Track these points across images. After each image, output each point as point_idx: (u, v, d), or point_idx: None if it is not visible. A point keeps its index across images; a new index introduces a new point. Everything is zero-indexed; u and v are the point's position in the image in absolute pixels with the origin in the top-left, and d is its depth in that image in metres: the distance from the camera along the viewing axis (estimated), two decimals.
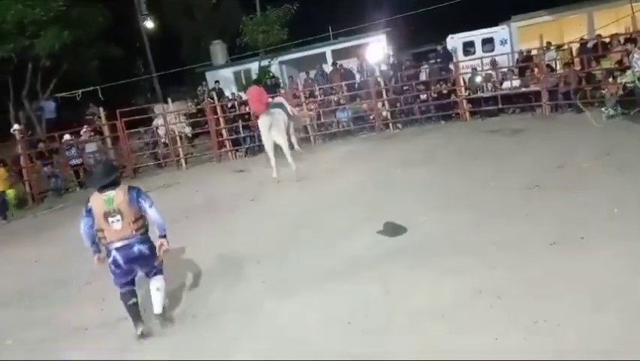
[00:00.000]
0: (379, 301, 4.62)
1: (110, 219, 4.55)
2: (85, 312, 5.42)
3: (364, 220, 6.71)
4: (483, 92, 14.31)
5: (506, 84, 13.92)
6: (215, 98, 15.61)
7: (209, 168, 13.61)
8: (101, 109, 15.04)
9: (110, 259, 4.63)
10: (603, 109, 11.13)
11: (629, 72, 11.05)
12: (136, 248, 4.62)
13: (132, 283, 4.80)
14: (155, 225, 4.72)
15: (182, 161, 14.36)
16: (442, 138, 11.76)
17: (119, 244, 4.59)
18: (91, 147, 13.99)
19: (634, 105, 10.76)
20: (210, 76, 20.79)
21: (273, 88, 17.32)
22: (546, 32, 15.73)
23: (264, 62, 20.29)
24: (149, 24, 25.28)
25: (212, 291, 5.46)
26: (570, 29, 17.39)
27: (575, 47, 14.72)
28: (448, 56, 15.77)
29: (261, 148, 14.25)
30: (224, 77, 20.59)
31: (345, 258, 5.68)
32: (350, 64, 18.11)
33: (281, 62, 20.55)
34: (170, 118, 14.89)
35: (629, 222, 5.28)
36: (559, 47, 14.61)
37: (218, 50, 22.61)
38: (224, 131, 14.77)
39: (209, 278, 5.79)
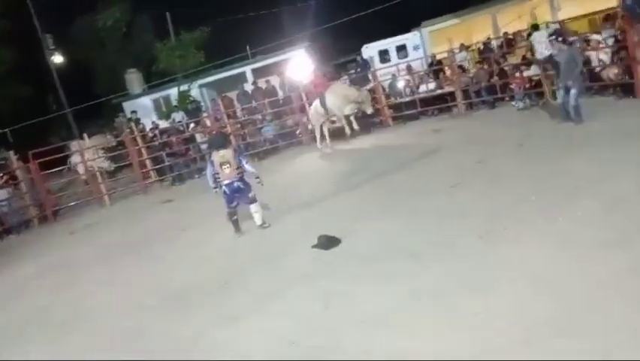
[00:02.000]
0: (322, 316, 4.55)
1: (224, 167, 7.28)
2: None
3: (300, 236, 6.65)
4: (402, 97, 14.71)
5: (423, 88, 14.38)
6: (134, 128, 15.04)
7: (135, 201, 13.05)
8: (12, 152, 14.10)
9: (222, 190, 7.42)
10: (513, 103, 11.75)
11: (533, 65, 11.73)
12: (236, 184, 7.34)
13: (235, 206, 7.53)
14: (249, 172, 7.45)
15: (106, 197, 13.70)
16: (370, 146, 11.96)
17: (227, 181, 7.32)
18: (2, 195, 13.04)
19: (542, 96, 11.44)
20: (128, 106, 20.13)
21: (194, 112, 17.03)
22: (455, 35, 16.43)
23: (184, 87, 19.90)
24: (58, 58, 24.21)
25: (154, 326, 5.19)
26: (477, 30, 18.29)
27: (481, 46, 15.50)
28: (366, 65, 16.13)
29: (189, 175, 13.98)
30: (142, 106, 19.97)
31: (285, 277, 5.58)
32: (273, 81, 18.13)
33: (201, 86, 20.22)
34: (88, 154, 14.20)
35: (547, 207, 5.55)
36: (467, 48, 15.29)
37: (134, 78, 21.97)
38: (147, 162, 14.27)
39: (152, 313, 5.51)
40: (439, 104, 14.03)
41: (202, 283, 6.01)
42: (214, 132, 12.95)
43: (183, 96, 19.46)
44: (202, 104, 18.99)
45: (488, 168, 7.64)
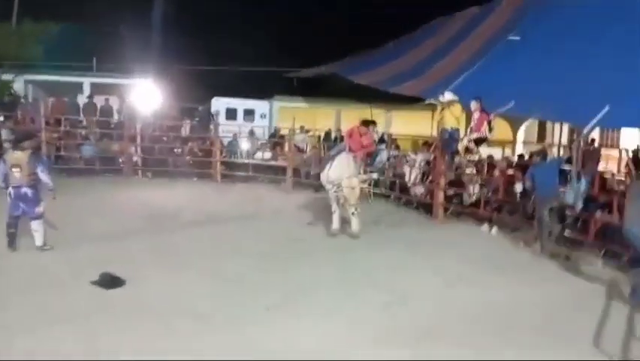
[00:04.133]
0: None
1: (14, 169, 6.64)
2: None
3: (83, 269, 6.07)
4: (239, 157, 14.90)
5: (259, 154, 14.76)
6: None
7: None
8: None
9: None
10: None
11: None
12: (23, 190, 6.70)
13: (17, 217, 6.80)
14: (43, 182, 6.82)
15: None
16: (189, 194, 11.70)
17: (15, 184, 6.69)
18: None
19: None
20: None
21: (9, 106, 15.22)
22: (301, 116, 17.39)
23: (7, 76, 17.73)
24: None
25: None
26: (322, 119, 19.59)
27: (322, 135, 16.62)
28: (207, 117, 16.13)
29: None
30: None
31: (47, 311, 4.96)
32: (112, 102, 17.10)
33: (27, 81, 18.21)
34: None
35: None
36: (307, 132, 16.24)
37: None
38: None
39: None
40: (270, 174, 14.44)
41: None
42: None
43: (4, 85, 17.30)
44: (23, 100, 17.05)
45: (301, 246, 7.87)
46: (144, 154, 14.30)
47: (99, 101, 17.01)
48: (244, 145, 15.21)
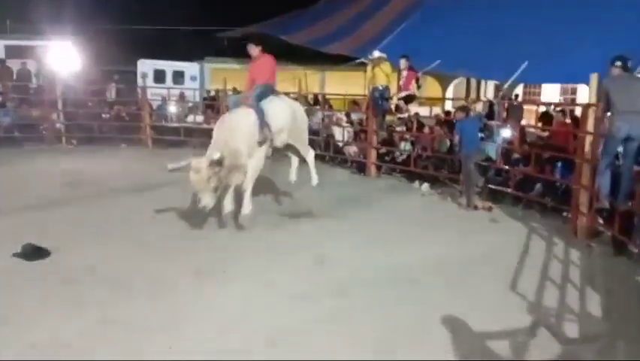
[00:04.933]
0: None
1: None
2: None
3: (2, 241, 5.80)
4: (169, 122, 14.46)
5: (190, 118, 14.39)
6: None
7: None
8: None
9: None
10: None
11: None
12: None
13: None
14: None
15: None
16: (120, 161, 11.32)
17: None
18: None
19: None
20: None
21: None
22: (234, 78, 17.01)
23: None
24: None
25: None
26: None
27: None
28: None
29: None
30: None
31: None
32: (30, 65, 16.05)
33: None
34: None
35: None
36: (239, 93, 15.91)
37: None
38: None
39: None
40: (204, 138, 14.12)
41: None
42: None
43: None
44: None
45: None
46: (67, 120, 13.60)
47: (15, 65, 15.96)
48: (172, 108, 14.74)
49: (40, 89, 13.99)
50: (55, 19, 19.04)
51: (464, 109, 8.86)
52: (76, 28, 18.82)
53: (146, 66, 17.31)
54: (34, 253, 5.54)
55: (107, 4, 21.94)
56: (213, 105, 14.91)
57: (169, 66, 17.82)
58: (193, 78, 17.96)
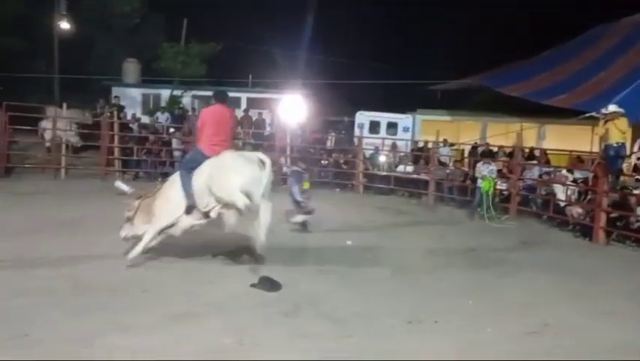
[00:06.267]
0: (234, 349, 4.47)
1: None
2: None
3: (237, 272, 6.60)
4: (379, 170, 15.06)
5: (401, 168, 14.76)
6: (115, 113, 14.95)
7: (89, 183, 12.73)
8: None
9: None
10: (478, 209, 12.01)
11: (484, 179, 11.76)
12: None
13: None
14: None
15: (62, 171, 13.37)
16: (333, 204, 12.07)
17: None
18: None
19: (507, 211, 11.75)
20: (117, 92, 19.96)
21: (179, 118, 17.15)
22: (444, 130, 17.05)
23: (177, 91, 19.97)
24: (65, 25, 24.01)
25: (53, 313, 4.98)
26: (466, 132, 19.01)
27: (467, 148, 16.11)
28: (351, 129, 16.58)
29: (152, 176, 13.73)
30: (131, 97, 19.94)
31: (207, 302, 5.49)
32: (265, 115, 18.44)
33: (195, 96, 20.31)
34: (60, 124, 13.96)
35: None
36: (452, 145, 15.86)
37: (131, 68, 21.94)
38: (116, 150, 14.06)
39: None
40: (412, 188, 14.35)
41: (125, 280, 5.84)
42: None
43: (174, 100, 19.50)
44: (190, 113, 19.05)
45: (437, 260, 7.72)
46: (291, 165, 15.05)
47: (253, 114, 18.45)
48: (382, 158, 15.33)
49: (272, 136, 15.82)
50: (288, 75, 21.65)
51: None
52: (305, 83, 21.13)
53: (363, 117, 18.42)
54: (271, 285, 6.14)
55: (331, 62, 24.28)
56: (424, 157, 15.09)
57: (384, 117, 18.67)
58: (405, 129, 18.50)
